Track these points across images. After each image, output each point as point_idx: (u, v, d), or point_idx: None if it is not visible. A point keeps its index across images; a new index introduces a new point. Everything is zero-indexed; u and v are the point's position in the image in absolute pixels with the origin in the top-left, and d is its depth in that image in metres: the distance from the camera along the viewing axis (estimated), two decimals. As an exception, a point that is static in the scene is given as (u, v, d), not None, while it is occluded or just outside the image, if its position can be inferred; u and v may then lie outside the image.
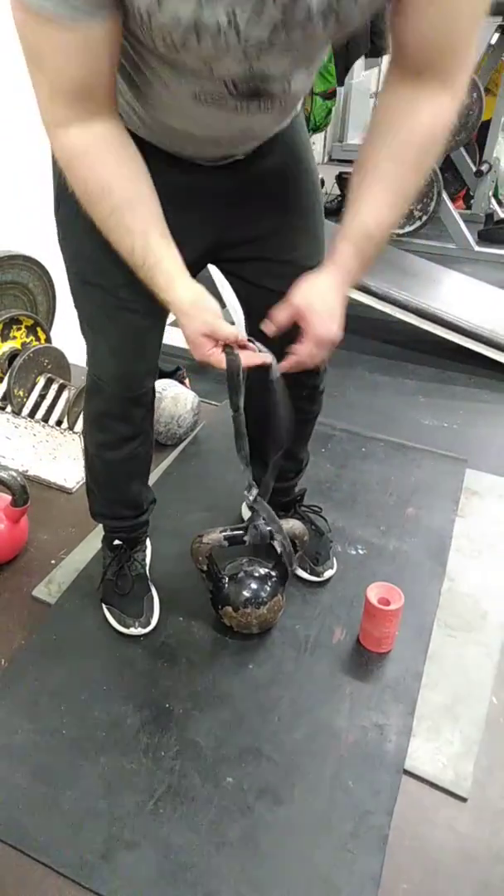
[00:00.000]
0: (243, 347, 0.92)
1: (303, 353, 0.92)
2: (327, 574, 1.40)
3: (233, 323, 1.13)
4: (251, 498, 1.14)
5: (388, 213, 0.85)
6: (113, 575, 1.32)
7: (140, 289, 0.89)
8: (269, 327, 0.93)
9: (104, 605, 1.31)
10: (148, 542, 1.43)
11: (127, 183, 0.82)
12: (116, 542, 1.33)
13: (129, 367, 1.09)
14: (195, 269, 1.02)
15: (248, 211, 1.02)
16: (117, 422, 1.16)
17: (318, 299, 0.89)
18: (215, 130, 0.86)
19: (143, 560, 1.37)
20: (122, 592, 1.30)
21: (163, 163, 0.90)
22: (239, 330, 0.91)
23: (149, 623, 1.29)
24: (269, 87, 0.78)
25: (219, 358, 0.91)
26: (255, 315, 1.06)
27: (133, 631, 1.27)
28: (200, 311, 0.88)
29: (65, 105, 0.75)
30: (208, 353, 0.90)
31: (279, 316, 0.92)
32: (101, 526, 1.38)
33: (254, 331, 1.04)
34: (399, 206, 0.86)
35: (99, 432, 1.19)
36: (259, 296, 1.07)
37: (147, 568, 1.38)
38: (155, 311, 0.97)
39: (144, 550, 1.39)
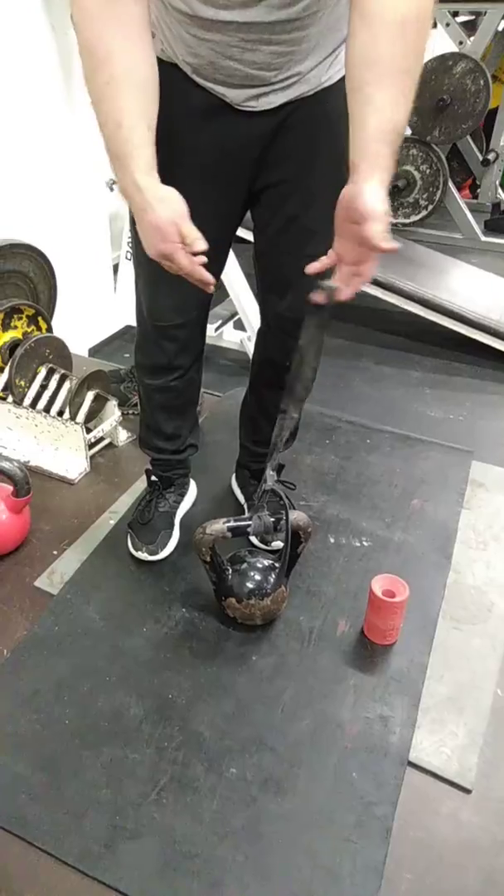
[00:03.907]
0: (193, 253, 0.92)
1: (365, 270, 0.90)
2: (275, 545, 1.40)
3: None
4: (274, 478, 1.15)
5: (408, 100, 0.84)
6: (142, 505, 1.46)
7: None
8: (324, 262, 0.92)
9: (128, 529, 1.44)
10: (192, 488, 1.57)
11: (130, 62, 0.87)
12: (153, 478, 1.47)
13: (156, 300, 1.22)
14: (237, 216, 1.17)
15: (276, 153, 1.06)
16: (151, 348, 1.29)
17: (373, 206, 0.85)
18: (218, 11, 0.89)
19: (175, 502, 1.48)
20: (142, 521, 1.42)
21: (204, 112, 1.01)
22: (202, 243, 0.91)
23: (156, 552, 1.39)
24: None
25: (181, 257, 0.92)
26: (269, 274, 1.23)
27: (139, 555, 1.39)
28: (174, 202, 0.90)
29: None
30: (174, 244, 0.91)
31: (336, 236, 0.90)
32: (102, 517, 1.43)
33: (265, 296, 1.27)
34: (413, 90, 0.84)
35: (139, 354, 1.34)
36: (273, 250, 1.18)
37: (178, 511, 1.49)
38: None
39: (180, 494, 1.51)
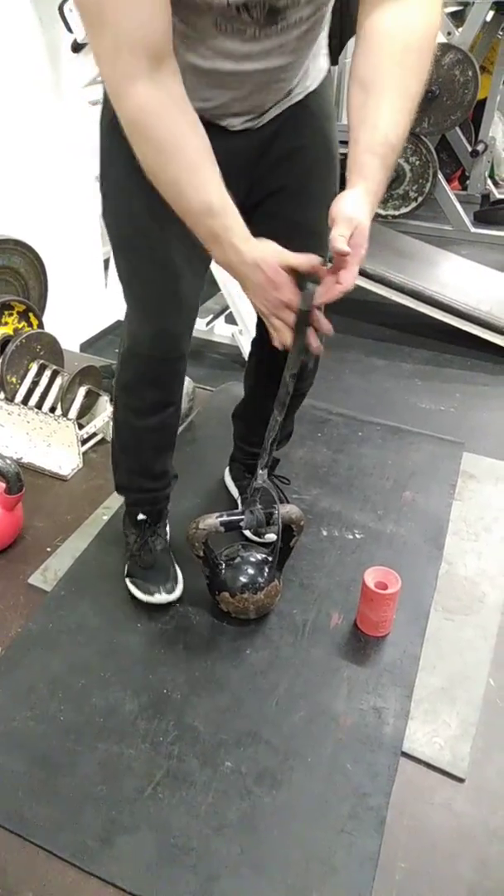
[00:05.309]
0: (316, 274, 0.90)
1: (344, 277, 0.89)
2: (269, 538, 1.39)
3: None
4: (264, 477, 1.15)
5: (403, 119, 0.86)
6: (137, 550, 1.32)
7: (178, 247, 0.92)
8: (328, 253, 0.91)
9: (127, 580, 1.32)
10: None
11: (199, 140, 0.84)
12: (140, 516, 1.33)
13: (165, 325, 1.11)
14: None
15: (270, 161, 1.04)
16: (149, 387, 1.18)
17: (341, 210, 0.85)
18: (239, 63, 0.87)
19: (166, 535, 1.38)
20: (146, 566, 1.30)
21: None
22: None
23: (173, 590, 1.29)
24: (282, 14, 0.82)
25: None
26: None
27: (158, 598, 1.27)
28: (270, 248, 0.88)
29: (130, 54, 0.75)
30: (288, 293, 0.89)
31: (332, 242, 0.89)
32: (96, 513, 1.40)
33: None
34: (410, 111, 0.87)
35: (130, 398, 1.21)
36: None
37: (168, 541, 1.38)
38: (192, 269, 1.02)
39: (166, 525, 1.39)
